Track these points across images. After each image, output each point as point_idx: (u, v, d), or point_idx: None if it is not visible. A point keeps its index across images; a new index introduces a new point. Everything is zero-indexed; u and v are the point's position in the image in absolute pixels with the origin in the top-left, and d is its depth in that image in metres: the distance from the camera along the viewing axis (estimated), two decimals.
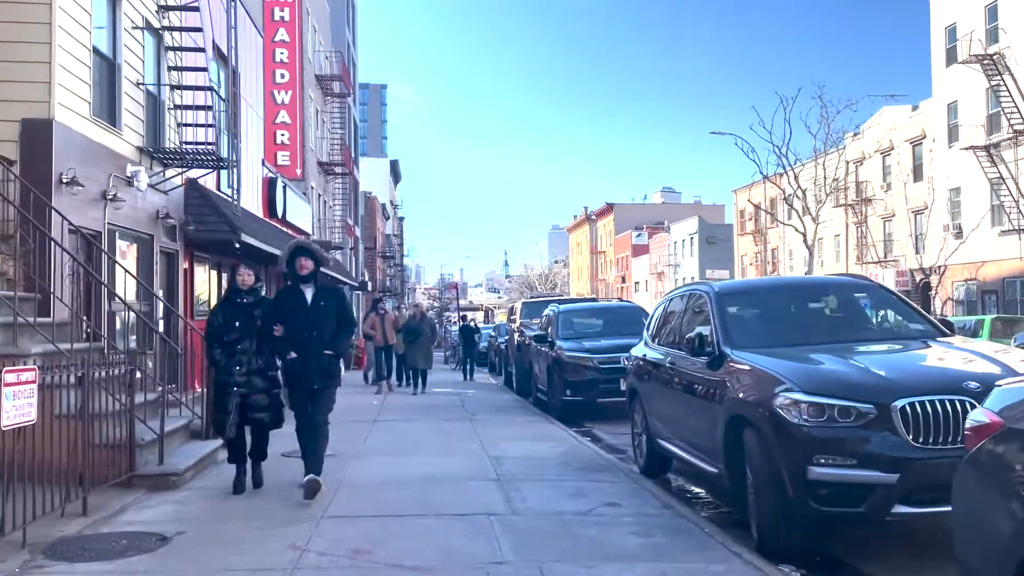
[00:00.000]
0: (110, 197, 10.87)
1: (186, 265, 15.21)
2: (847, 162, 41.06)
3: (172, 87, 12.65)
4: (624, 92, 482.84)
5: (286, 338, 6.42)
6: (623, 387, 12.01)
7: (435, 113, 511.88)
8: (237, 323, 6.57)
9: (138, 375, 7.60)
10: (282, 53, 29.28)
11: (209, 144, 12.46)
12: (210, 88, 12.40)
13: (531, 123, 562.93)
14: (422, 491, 6.68)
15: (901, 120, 38.35)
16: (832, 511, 4.64)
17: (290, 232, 25.16)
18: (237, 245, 14.77)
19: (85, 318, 9.63)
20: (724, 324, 6.24)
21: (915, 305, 6.66)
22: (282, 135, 29.42)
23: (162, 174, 12.96)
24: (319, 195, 32.88)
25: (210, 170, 13.36)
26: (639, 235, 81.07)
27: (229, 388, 6.49)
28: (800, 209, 36.21)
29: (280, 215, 23.17)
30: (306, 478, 6.36)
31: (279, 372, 6.76)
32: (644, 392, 7.83)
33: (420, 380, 16.94)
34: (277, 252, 19.98)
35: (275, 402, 6.79)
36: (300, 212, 27.15)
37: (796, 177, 36.19)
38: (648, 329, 8.45)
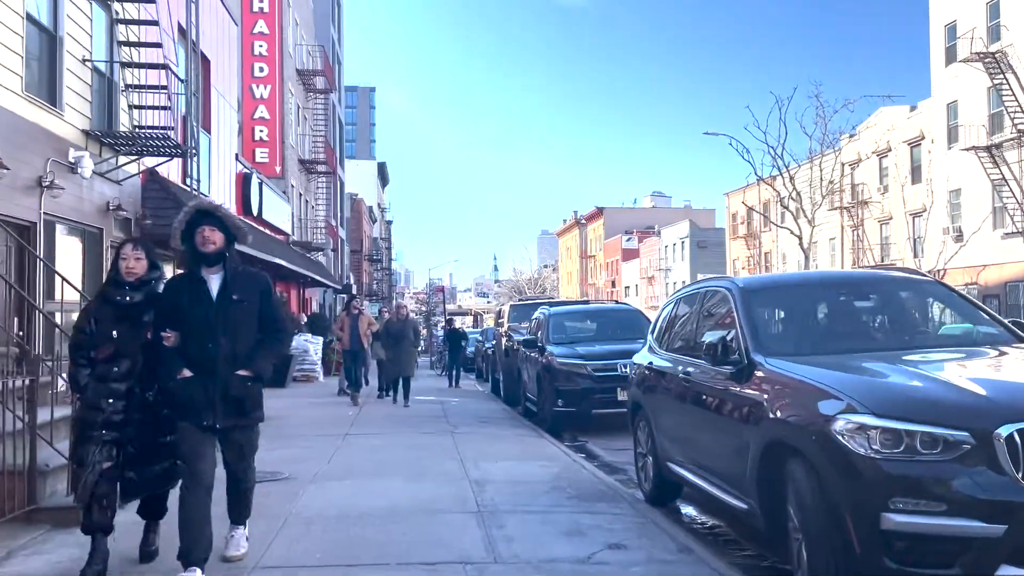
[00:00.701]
0: (47, 184, 9.68)
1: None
2: (842, 164, 40.16)
3: (123, 64, 11.47)
4: (616, 94, 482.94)
5: (179, 349, 4.36)
6: (621, 398, 10.91)
7: (425, 119, 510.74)
8: (115, 332, 4.44)
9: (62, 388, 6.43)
10: (261, 46, 28.12)
11: (165, 129, 11.28)
12: (165, 66, 11.22)
13: (522, 128, 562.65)
14: (385, 528, 5.52)
15: (899, 121, 37.49)
16: (914, 572, 3.52)
17: (268, 232, 23.95)
18: None
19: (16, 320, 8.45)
20: (753, 327, 5.12)
21: (980, 303, 5.56)
22: (261, 131, 28.24)
23: (114, 162, 11.78)
24: (300, 194, 31.70)
25: (167, 158, 12.18)
26: (629, 239, 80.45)
27: (94, 430, 4.36)
28: (795, 211, 35.27)
29: (256, 213, 21.97)
30: (229, 542, 4.77)
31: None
32: (650, 406, 6.71)
33: (403, 390, 14.90)
34: (252, 252, 18.78)
35: (166, 451, 4.58)
36: (279, 211, 25.95)
37: (792, 179, 35.24)
38: (653, 332, 7.33)
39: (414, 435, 10.63)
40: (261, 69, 27.82)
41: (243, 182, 21.06)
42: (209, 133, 17.83)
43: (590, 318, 13.37)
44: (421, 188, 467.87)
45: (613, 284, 79.79)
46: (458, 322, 30.69)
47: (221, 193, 18.87)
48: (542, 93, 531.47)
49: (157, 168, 13.54)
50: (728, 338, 5.16)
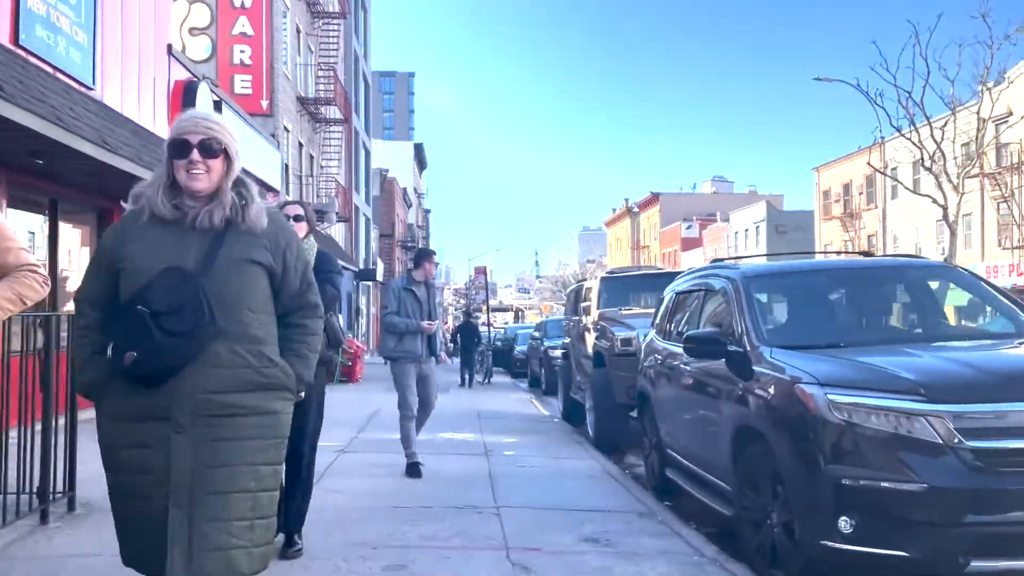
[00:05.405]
0: None
1: None
2: (982, 119, 31.76)
3: None
4: (661, 83, 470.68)
5: None
6: None
7: (465, 116, 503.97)
8: None
9: None
10: None
11: None
12: None
13: (563, 122, 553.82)
14: None
15: None
16: None
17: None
18: None
19: None
20: None
21: None
22: (241, 51, 20.87)
23: None
24: (300, 144, 24.45)
25: None
26: (689, 227, 73.17)
27: None
28: (940, 175, 27.13)
29: None
30: None
31: None
32: None
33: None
34: (133, 169, 11.41)
35: None
36: (260, 156, 18.68)
37: (936, 132, 27.03)
38: None
39: None
40: None
41: (184, 93, 13.79)
42: None
43: (837, 285, 5.68)
44: (460, 183, 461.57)
45: None
46: (499, 319, 24.50)
47: (136, 103, 11.65)
48: (582, 88, 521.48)
49: None
50: None
